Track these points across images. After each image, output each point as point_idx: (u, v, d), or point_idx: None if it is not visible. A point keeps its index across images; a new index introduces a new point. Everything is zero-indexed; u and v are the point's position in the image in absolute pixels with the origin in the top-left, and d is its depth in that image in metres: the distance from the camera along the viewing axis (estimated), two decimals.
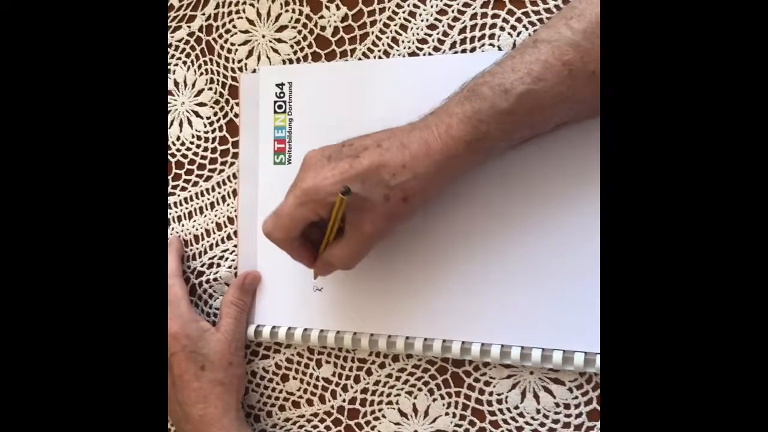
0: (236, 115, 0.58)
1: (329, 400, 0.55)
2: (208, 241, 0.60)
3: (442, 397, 0.52)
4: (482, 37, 0.52)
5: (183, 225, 0.60)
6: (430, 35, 0.53)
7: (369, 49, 0.55)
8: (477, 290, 0.49)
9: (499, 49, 0.51)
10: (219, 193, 0.60)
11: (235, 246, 0.58)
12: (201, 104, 0.60)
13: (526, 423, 0.50)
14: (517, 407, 0.50)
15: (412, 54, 0.53)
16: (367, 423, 0.54)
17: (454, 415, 0.52)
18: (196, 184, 0.60)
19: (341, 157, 0.43)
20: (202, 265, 0.60)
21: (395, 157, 0.43)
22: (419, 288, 0.51)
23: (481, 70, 0.44)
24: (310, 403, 0.56)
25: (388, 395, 0.53)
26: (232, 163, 0.59)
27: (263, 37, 0.58)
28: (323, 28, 0.56)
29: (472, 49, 0.52)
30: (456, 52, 0.53)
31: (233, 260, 0.59)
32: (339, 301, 0.53)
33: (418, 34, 0.54)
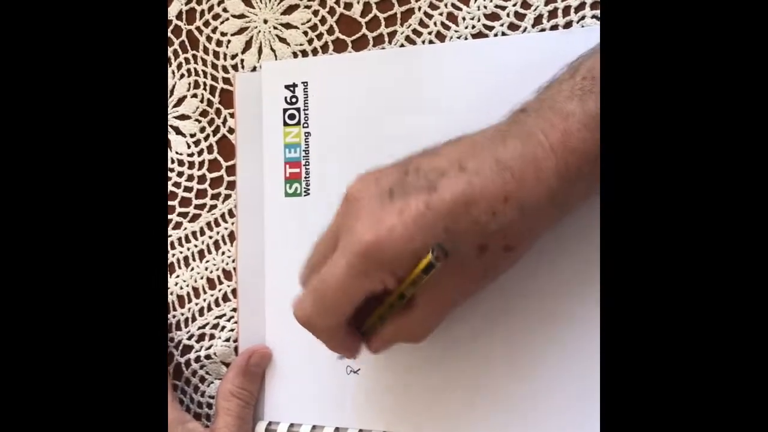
0: (231, 131, 0.45)
1: None
2: (197, 304, 0.46)
3: None
4: (581, 6, 0.37)
5: None
6: (503, 7, 0.39)
7: (415, 31, 0.41)
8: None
9: None
10: (210, 237, 0.46)
11: (234, 310, 0.45)
12: (182, 117, 0.46)
13: None
14: None
15: (478, 35, 0.40)
16: None
17: None
18: (179, 225, 0.46)
19: (408, 190, 0.31)
20: (189, 337, 0.46)
21: (491, 185, 0.30)
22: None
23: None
24: None
25: None
26: (228, 197, 0.45)
27: (265, 22, 0.44)
28: (348, 6, 0.43)
29: (568, 24, 0.38)
30: (542, 30, 0.39)
31: (232, 330, 0.45)
32: (385, 387, 0.41)
33: (485, 6, 0.40)
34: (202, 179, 0.46)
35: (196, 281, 0.45)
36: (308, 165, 0.42)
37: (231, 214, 0.45)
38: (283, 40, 0.44)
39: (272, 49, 0.44)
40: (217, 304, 0.45)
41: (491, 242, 0.31)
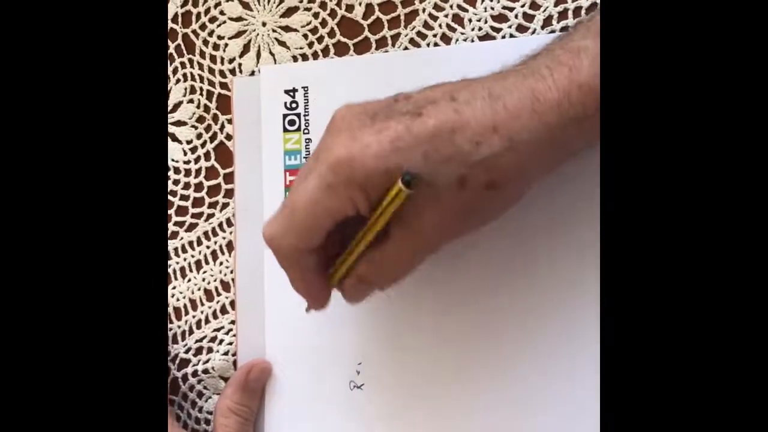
0: (228, 137, 0.43)
1: None
2: (194, 316, 0.44)
3: None
4: (592, 6, 0.36)
5: None
6: (511, 8, 0.37)
7: (419, 33, 0.40)
8: None
9: None
10: (208, 247, 0.44)
11: (233, 323, 0.43)
12: (178, 123, 0.45)
13: None
14: None
15: (486, 37, 0.39)
16: None
17: None
18: (175, 235, 0.45)
19: (392, 114, 0.30)
20: (186, 350, 0.44)
21: (480, 115, 0.29)
22: None
23: None
24: None
25: None
26: (226, 205, 0.44)
27: (264, 25, 0.43)
28: (350, 8, 0.41)
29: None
30: (552, 32, 0.38)
31: (231, 343, 0.44)
32: (390, 403, 0.39)
33: (492, 8, 0.38)
34: (199, 187, 0.44)
35: (193, 293, 0.44)
36: None
37: (229, 223, 0.44)
38: (282, 43, 0.42)
39: (271, 53, 0.43)
40: (215, 317, 0.44)
41: (472, 174, 0.29)
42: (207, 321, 0.44)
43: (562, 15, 0.37)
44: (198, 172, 0.44)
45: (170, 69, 0.44)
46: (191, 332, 0.44)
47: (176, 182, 0.44)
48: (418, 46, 0.40)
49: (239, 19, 0.43)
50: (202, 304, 0.44)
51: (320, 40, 0.42)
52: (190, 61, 0.44)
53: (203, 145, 0.44)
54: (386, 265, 0.32)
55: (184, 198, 0.44)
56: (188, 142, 0.44)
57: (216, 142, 0.44)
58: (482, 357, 0.38)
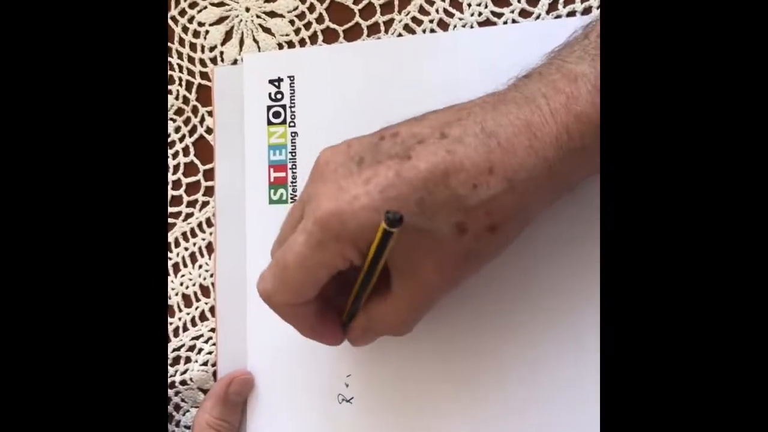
0: (209, 131, 0.41)
1: None
2: (171, 323, 0.42)
3: None
4: None
5: None
6: None
7: (414, 19, 0.37)
8: None
9: None
10: (186, 249, 0.42)
11: (213, 330, 0.41)
12: None
13: None
14: None
15: (486, 23, 0.36)
16: None
17: None
18: None
19: (380, 157, 0.28)
20: None
21: (474, 154, 0.27)
22: None
23: None
24: None
25: None
26: (206, 204, 0.41)
27: (247, 11, 0.40)
28: None
29: (586, 11, 0.35)
30: (558, 16, 0.35)
31: (210, 353, 0.41)
32: (380, 417, 0.37)
33: None
34: (176, 185, 0.41)
35: (170, 298, 0.41)
36: (295, 168, 0.38)
37: (209, 223, 0.41)
38: (267, 30, 0.39)
39: (255, 40, 0.40)
40: (194, 324, 0.41)
41: (472, 219, 0.27)
42: (185, 329, 0.41)
43: None
44: (176, 168, 0.41)
45: None
46: (168, 341, 0.41)
47: None
48: (413, 32, 0.37)
49: (221, 4, 0.40)
50: (180, 311, 0.41)
51: (308, 26, 0.39)
52: (169, 49, 0.41)
53: (182, 139, 0.41)
54: (390, 317, 0.31)
55: None
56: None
57: (195, 136, 0.41)
58: (477, 369, 0.35)
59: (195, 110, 0.41)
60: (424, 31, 0.37)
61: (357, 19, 0.38)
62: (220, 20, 0.40)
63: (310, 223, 0.28)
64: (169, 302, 0.41)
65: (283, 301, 0.30)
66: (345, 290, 0.31)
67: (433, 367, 0.36)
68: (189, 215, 0.41)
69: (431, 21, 0.36)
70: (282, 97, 0.38)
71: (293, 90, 0.38)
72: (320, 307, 0.31)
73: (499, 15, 0.35)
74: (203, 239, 0.41)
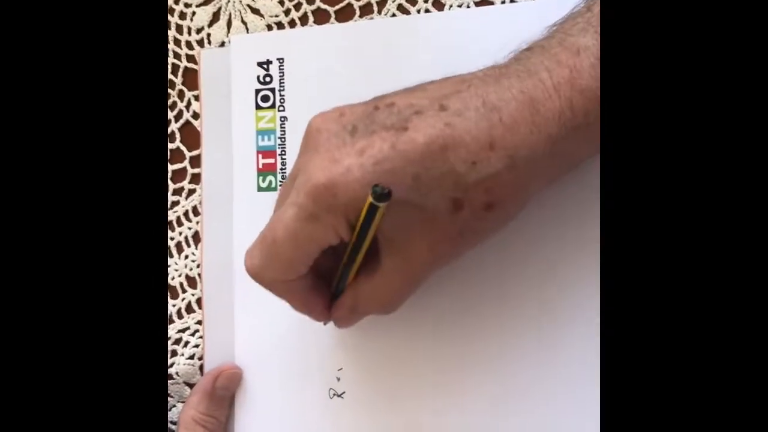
0: (195, 116, 0.40)
1: None
2: None
3: None
4: None
5: None
6: None
7: None
8: None
9: None
10: (172, 238, 0.41)
11: (200, 323, 0.40)
12: None
13: None
14: None
15: (483, 3, 0.35)
16: None
17: None
18: None
19: (374, 127, 0.27)
20: None
21: (475, 129, 0.26)
22: None
23: None
24: None
25: None
26: (192, 192, 0.40)
27: None
28: None
29: None
30: None
31: (197, 346, 0.40)
32: (372, 412, 0.36)
33: None
34: None
35: None
36: (284, 154, 0.37)
37: (195, 211, 0.40)
38: (255, 10, 0.38)
39: (243, 22, 0.39)
40: (180, 316, 0.40)
41: (469, 197, 0.27)
42: (171, 321, 0.40)
43: None
44: None
45: None
46: (168, 329, 0.40)
47: None
48: (407, 12, 0.36)
49: None
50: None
51: (298, 6, 0.38)
52: None
53: (167, 124, 0.40)
54: (378, 294, 0.31)
55: None
56: None
57: (182, 121, 0.40)
58: (470, 364, 0.35)
59: (181, 95, 0.40)
60: (418, 11, 0.36)
61: None
62: (207, 1, 0.39)
63: (302, 195, 0.27)
64: None
65: (273, 278, 0.30)
66: (339, 264, 0.30)
67: (429, 362, 0.35)
68: (175, 203, 0.40)
69: (426, 1, 0.35)
70: (271, 80, 0.37)
71: (282, 73, 0.37)
72: (313, 280, 0.30)
73: None
74: (190, 228, 0.40)
